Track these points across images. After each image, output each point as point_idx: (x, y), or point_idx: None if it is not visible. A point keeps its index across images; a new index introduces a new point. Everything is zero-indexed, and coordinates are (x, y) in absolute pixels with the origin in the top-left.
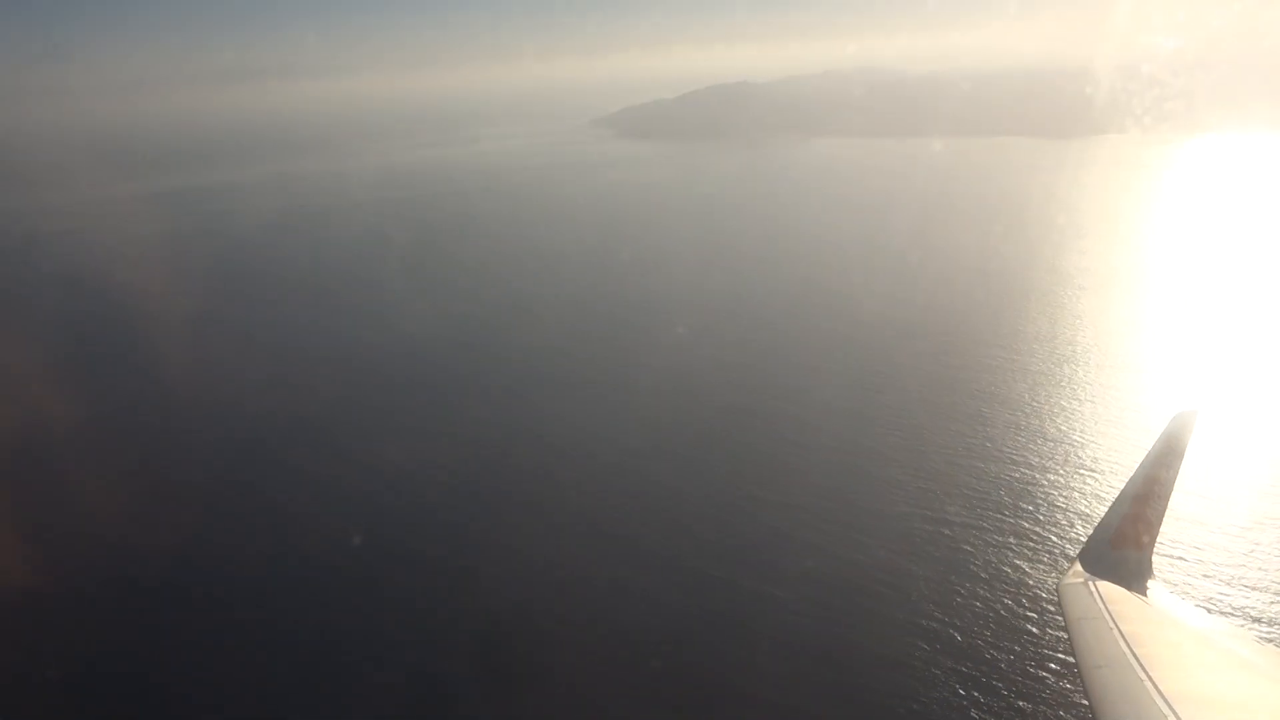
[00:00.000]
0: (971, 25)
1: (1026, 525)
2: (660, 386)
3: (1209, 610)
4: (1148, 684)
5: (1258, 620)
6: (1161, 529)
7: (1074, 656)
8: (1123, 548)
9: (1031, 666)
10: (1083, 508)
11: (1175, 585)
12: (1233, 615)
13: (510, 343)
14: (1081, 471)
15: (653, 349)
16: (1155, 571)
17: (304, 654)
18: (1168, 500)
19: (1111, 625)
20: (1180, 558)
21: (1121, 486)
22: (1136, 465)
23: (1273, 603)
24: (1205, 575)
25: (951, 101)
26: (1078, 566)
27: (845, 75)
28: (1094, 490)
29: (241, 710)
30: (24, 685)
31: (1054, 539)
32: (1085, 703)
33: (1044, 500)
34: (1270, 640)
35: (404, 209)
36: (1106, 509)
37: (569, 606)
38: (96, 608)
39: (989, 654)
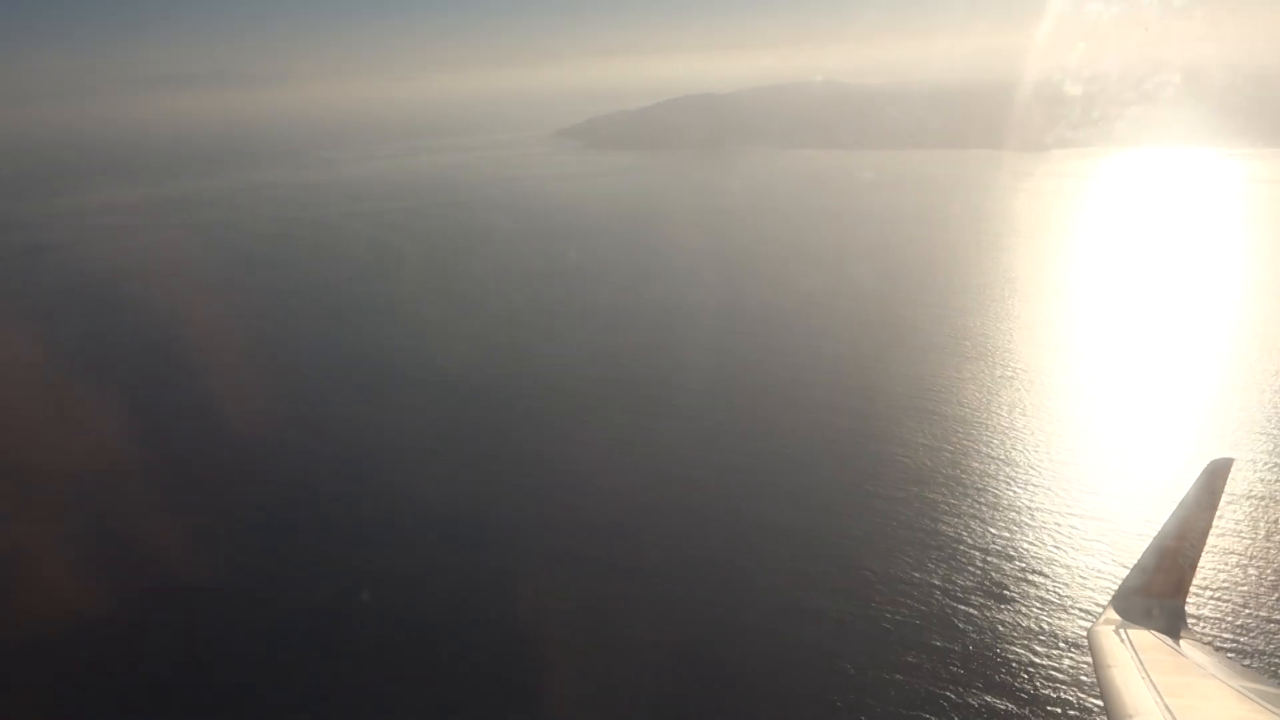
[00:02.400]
0: (923, 38)
1: (1058, 560)
2: (670, 402)
3: (1242, 661)
4: None
5: None
6: (1195, 577)
7: (1104, 705)
8: (1156, 595)
9: (1058, 715)
10: (1106, 552)
11: (1208, 635)
12: (1267, 667)
13: (523, 362)
14: (1093, 512)
15: (652, 365)
16: (1188, 620)
17: (324, 673)
18: (1202, 548)
19: (1143, 674)
20: (1214, 606)
21: (1154, 531)
22: (1170, 511)
23: None
24: (1239, 625)
25: (906, 114)
26: (1110, 613)
27: (805, 87)
28: (1116, 537)
29: None
30: (67, 704)
31: (1089, 583)
32: None
33: (1063, 542)
34: None
35: (395, 220)
36: (1140, 555)
37: (580, 632)
38: (137, 632)
39: (1012, 702)
